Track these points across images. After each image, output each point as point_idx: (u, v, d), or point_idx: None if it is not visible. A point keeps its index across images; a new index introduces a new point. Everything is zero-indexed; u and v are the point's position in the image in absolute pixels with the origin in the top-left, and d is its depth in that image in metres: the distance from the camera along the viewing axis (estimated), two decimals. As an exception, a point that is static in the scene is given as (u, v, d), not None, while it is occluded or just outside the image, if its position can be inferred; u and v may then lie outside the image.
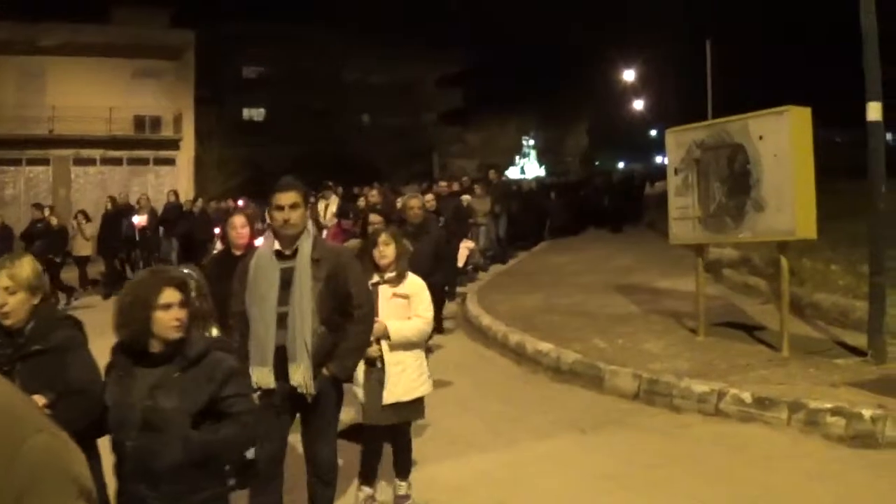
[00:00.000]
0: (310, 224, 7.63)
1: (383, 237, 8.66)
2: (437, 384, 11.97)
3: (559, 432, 11.04)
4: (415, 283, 8.72)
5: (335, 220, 24.81)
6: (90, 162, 50.24)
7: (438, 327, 15.54)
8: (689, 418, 11.26)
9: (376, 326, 8.15)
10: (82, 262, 27.74)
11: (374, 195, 24.05)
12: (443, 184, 29.18)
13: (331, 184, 29.27)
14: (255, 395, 6.87)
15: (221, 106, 59.36)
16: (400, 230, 11.92)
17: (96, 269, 28.57)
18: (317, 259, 7.40)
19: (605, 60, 66.40)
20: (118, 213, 29.35)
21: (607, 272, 23.35)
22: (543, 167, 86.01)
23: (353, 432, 9.42)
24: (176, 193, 32.90)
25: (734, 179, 13.63)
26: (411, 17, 70.26)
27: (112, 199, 31.12)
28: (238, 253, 9.74)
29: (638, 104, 72.72)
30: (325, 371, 7.39)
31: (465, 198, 27.02)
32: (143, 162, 51.63)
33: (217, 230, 29.84)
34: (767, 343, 13.80)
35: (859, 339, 13.16)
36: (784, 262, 13.49)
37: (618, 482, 9.13)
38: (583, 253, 28.65)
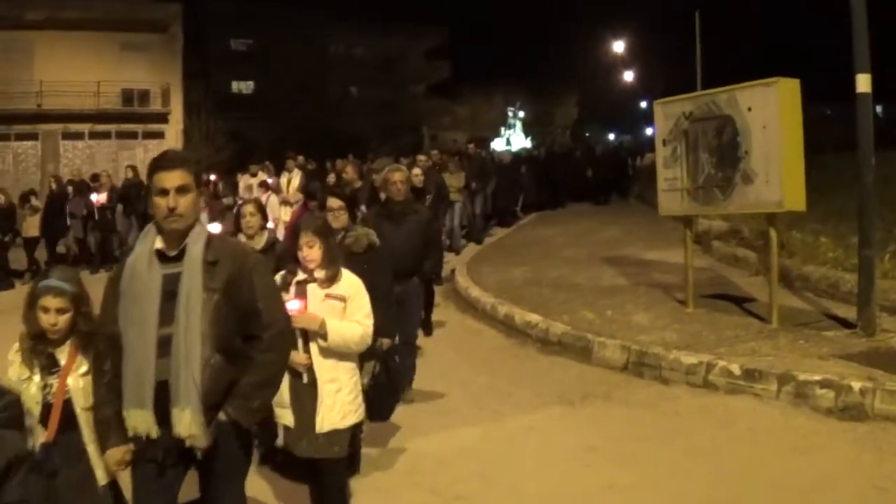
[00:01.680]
0: (203, 216, 6.32)
1: (306, 237, 7.23)
2: (426, 356, 12.07)
3: (546, 405, 11.03)
4: (352, 284, 7.47)
5: (300, 198, 21.16)
6: (79, 136, 50.17)
7: (426, 327, 14.96)
8: (677, 390, 11.27)
9: (308, 318, 7.06)
10: (31, 243, 26.55)
11: (348, 171, 20.40)
12: (421, 157, 26.37)
13: (295, 155, 28.76)
14: (132, 448, 5.51)
15: (209, 79, 59.35)
16: (382, 211, 12.14)
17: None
18: (212, 262, 5.44)
19: (595, 31, 66.51)
20: (63, 194, 28.20)
21: (595, 245, 23.36)
22: (530, 139, 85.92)
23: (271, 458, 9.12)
24: (134, 169, 30.31)
25: (722, 151, 13.60)
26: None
27: (56, 177, 30.21)
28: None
29: (628, 76, 72.81)
30: (221, 415, 5.49)
31: (416, 171, 22.04)
32: (132, 136, 51.58)
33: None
34: (757, 315, 13.78)
35: (849, 312, 13.18)
36: (773, 233, 13.47)
37: (602, 455, 9.16)
38: (571, 226, 28.55)
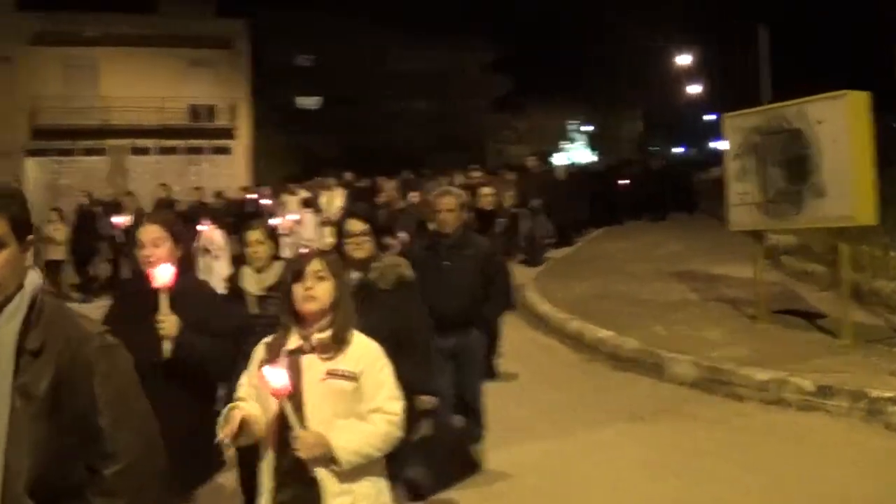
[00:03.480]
0: (30, 277, 3.46)
1: (313, 263, 5.24)
2: (496, 372, 12.01)
3: (615, 421, 11.00)
4: (368, 352, 5.27)
5: None
6: (146, 151, 50.49)
7: (489, 372, 12.26)
8: (748, 407, 11.20)
9: (312, 440, 4.89)
10: (53, 266, 25.02)
11: (387, 189, 18.14)
12: (474, 174, 25.03)
13: (339, 172, 28.18)
14: None
15: (274, 94, 59.58)
16: (429, 244, 9.88)
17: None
18: (33, 350, 3.38)
19: (660, 44, 66.07)
20: (92, 213, 27.05)
21: (661, 259, 23.24)
22: (597, 153, 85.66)
23: None
24: (166, 188, 29.97)
25: (792, 165, 13.53)
26: (461, 2, 70.15)
27: (87, 194, 29.39)
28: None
29: (692, 89, 72.40)
30: None
31: (486, 190, 17.71)
32: (199, 151, 51.95)
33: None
34: (827, 330, 13.65)
35: (922, 327, 13.07)
36: (843, 248, 13.38)
37: (669, 470, 9.15)
38: (636, 240, 28.44)
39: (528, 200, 25.68)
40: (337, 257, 5.70)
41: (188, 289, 6.34)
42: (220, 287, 18.85)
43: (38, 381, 3.38)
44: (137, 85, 47.86)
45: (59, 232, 25.78)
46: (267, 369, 4.88)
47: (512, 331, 15.81)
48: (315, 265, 5.24)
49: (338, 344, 5.14)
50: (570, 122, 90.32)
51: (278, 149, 53.30)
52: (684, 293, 18.14)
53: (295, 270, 5.28)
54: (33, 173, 48.18)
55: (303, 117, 65.56)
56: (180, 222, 6.93)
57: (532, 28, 73.49)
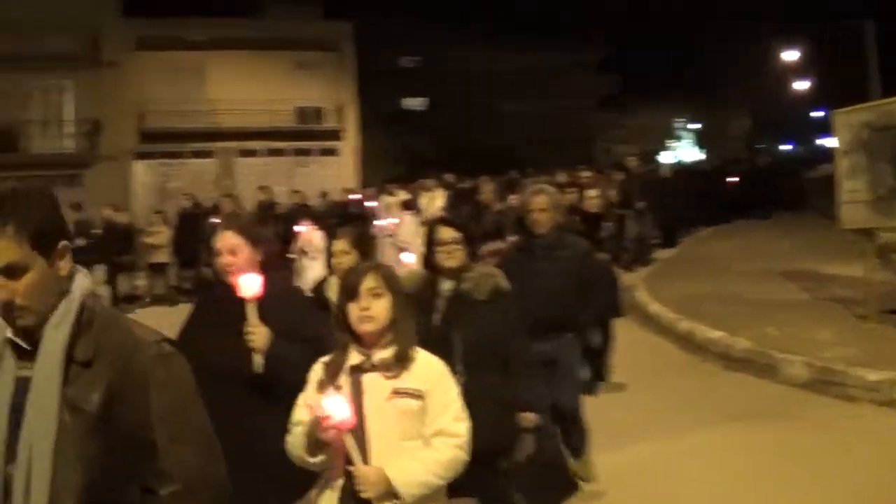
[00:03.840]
0: (78, 281, 3.27)
1: (367, 280, 4.90)
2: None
3: (725, 422, 10.97)
4: (432, 369, 5.01)
5: None
6: (254, 154, 50.88)
7: (599, 375, 12.10)
8: (860, 408, 11.12)
9: (373, 477, 4.63)
10: (157, 269, 26.14)
11: (485, 191, 17.44)
12: (584, 174, 23.89)
13: (438, 174, 28.01)
14: None
15: (380, 96, 59.78)
16: (522, 245, 9.42)
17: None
18: (83, 361, 3.24)
19: (767, 40, 65.39)
20: (195, 215, 26.65)
21: (770, 258, 22.97)
22: (704, 151, 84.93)
23: None
24: (266, 190, 29.85)
25: (904, 162, 13.41)
26: (568, 2, 69.92)
27: (189, 196, 29.31)
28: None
29: (799, 85, 71.54)
30: None
31: (591, 193, 16.63)
32: (307, 153, 52.20)
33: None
34: (942, 331, 13.53)
35: None
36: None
37: (786, 475, 9.05)
38: (744, 239, 28.26)
39: (632, 201, 25.13)
40: (392, 270, 5.22)
41: (277, 295, 5.96)
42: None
43: (88, 394, 3.20)
44: (244, 88, 48.20)
45: (162, 235, 26.04)
46: (327, 400, 4.53)
47: (622, 331, 15.78)
48: (369, 282, 4.90)
49: (401, 362, 4.86)
50: (677, 120, 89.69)
51: (385, 150, 53.49)
52: (794, 293, 17.98)
53: (349, 288, 4.94)
54: (141, 176, 48.85)
55: (409, 119, 65.70)
56: (257, 226, 6.49)
57: (639, 25, 73.04)
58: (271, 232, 8.44)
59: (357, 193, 32.66)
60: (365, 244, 7.88)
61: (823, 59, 65.63)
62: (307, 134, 51.24)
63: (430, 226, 7.58)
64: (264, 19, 50.95)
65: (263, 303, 5.79)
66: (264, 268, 6.02)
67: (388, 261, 11.08)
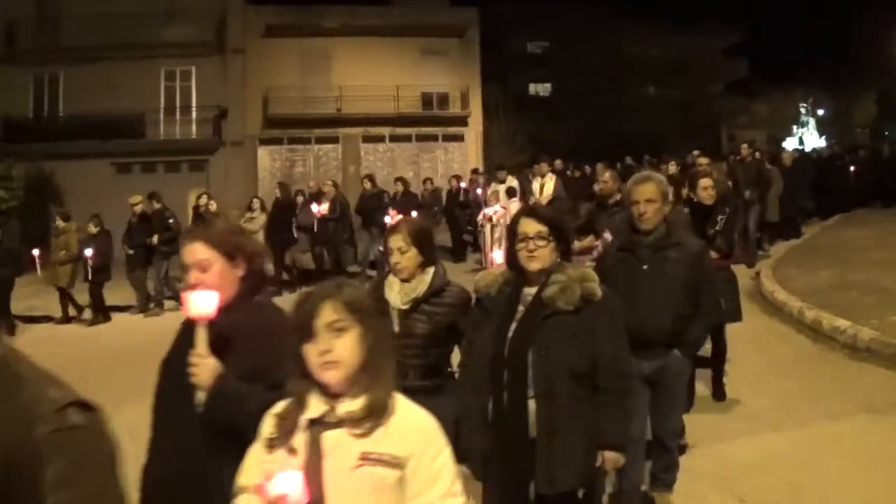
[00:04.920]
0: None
1: (325, 312, 3.71)
2: (732, 359, 11.88)
3: (854, 413, 10.81)
4: (418, 429, 3.78)
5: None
6: (379, 139, 51.23)
7: (719, 393, 11.71)
8: None
9: None
10: None
11: (605, 178, 15.25)
12: (701, 160, 20.52)
13: (550, 159, 27.29)
14: None
15: (507, 82, 59.77)
16: (624, 244, 8.06)
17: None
18: None
19: (894, 22, 64.25)
20: (290, 203, 27.04)
21: (899, 247, 22.41)
22: (824, 138, 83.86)
23: None
24: (372, 179, 29.05)
25: None
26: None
27: (282, 185, 28.97)
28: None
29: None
30: None
31: (704, 182, 12.72)
32: (432, 138, 52.44)
33: (414, 214, 26.75)
34: None
35: None
36: None
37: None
38: (878, 227, 27.52)
39: (741, 192, 23.35)
40: (359, 292, 3.94)
41: (251, 324, 4.61)
42: None
43: None
44: (370, 74, 48.39)
45: (255, 221, 25.53)
46: (276, 479, 3.55)
47: (748, 318, 15.65)
48: (328, 313, 3.70)
49: (375, 417, 3.68)
50: (802, 105, 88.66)
51: (510, 136, 53.41)
52: (924, 282, 17.66)
53: (301, 324, 3.71)
54: (266, 162, 49.58)
55: (536, 104, 65.59)
56: (237, 235, 4.96)
57: (770, 10, 72.24)
58: (257, 244, 4.55)
59: (468, 180, 32.28)
60: (425, 238, 6.76)
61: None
62: (432, 120, 51.39)
63: (515, 217, 6.23)
64: (391, 6, 51.11)
65: (231, 332, 4.55)
66: (245, 288, 4.83)
67: (492, 253, 10.17)
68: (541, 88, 71.04)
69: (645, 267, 7.69)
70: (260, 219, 25.76)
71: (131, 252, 23.27)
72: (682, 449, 9.08)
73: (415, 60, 50.70)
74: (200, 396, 4.41)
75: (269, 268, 5.29)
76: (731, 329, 11.81)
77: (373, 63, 48.77)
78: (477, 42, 52.90)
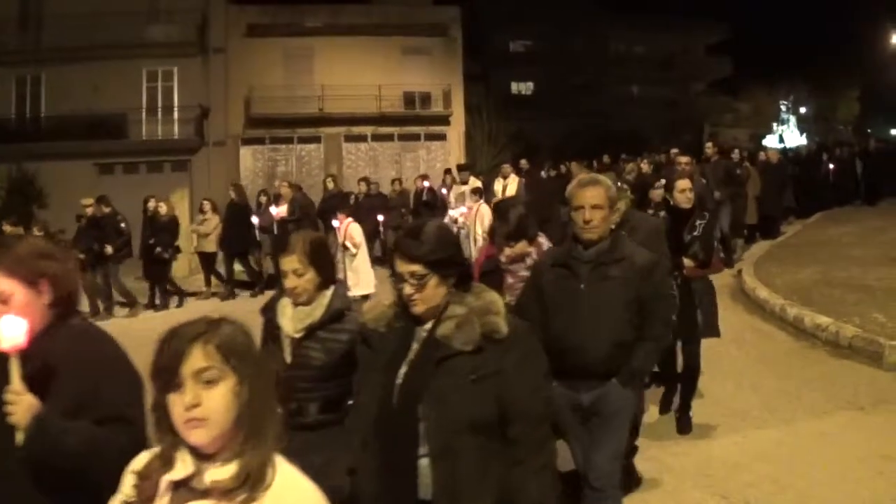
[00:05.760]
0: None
1: (192, 357, 3.07)
2: (714, 357, 11.86)
3: (837, 410, 10.86)
4: (298, 499, 3.13)
5: None
6: (361, 139, 51.15)
7: (683, 425, 10.47)
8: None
9: None
10: (206, 259, 25.25)
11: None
12: (682, 159, 17.27)
13: (522, 162, 27.46)
14: None
15: (489, 81, 59.79)
16: (560, 258, 6.98)
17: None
18: None
19: (878, 20, 64.45)
20: (244, 205, 26.17)
21: (886, 244, 22.58)
22: (805, 136, 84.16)
23: None
24: (335, 179, 29.58)
25: None
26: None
27: (236, 186, 27.89)
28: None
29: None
30: None
31: (681, 184, 11.67)
32: (414, 138, 52.23)
33: (381, 217, 26.49)
34: None
35: None
36: None
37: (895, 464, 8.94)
38: (859, 225, 27.74)
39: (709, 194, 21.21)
40: (236, 331, 3.23)
41: (68, 351, 4.08)
42: (370, 286, 17.77)
43: None
44: (352, 73, 48.27)
45: (208, 224, 25.08)
46: None
47: (731, 315, 15.73)
48: (196, 359, 3.05)
49: (249, 487, 3.04)
50: (783, 103, 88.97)
51: (494, 136, 53.41)
52: (906, 280, 17.73)
53: (163, 372, 3.06)
54: (248, 162, 49.36)
55: (519, 103, 65.60)
56: (39, 258, 4.12)
57: (754, 7, 72.44)
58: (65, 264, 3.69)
59: (430, 180, 31.22)
60: (322, 256, 6.03)
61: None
62: (414, 119, 51.30)
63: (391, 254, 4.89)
64: (373, 5, 51.04)
65: (48, 364, 3.98)
66: (56, 315, 4.22)
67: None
68: (524, 87, 71.09)
69: (583, 286, 6.63)
70: (212, 220, 25.22)
71: (81, 256, 21.91)
72: (633, 451, 8.80)
73: (397, 59, 50.60)
74: (19, 437, 3.81)
75: (79, 287, 4.44)
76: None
77: (355, 62, 48.68)
78: (459, 41, 52.81)
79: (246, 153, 49.31)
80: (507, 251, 8.03)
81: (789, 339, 14.92)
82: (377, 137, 50.85)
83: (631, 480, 8.57)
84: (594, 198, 6.60)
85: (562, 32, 63.94)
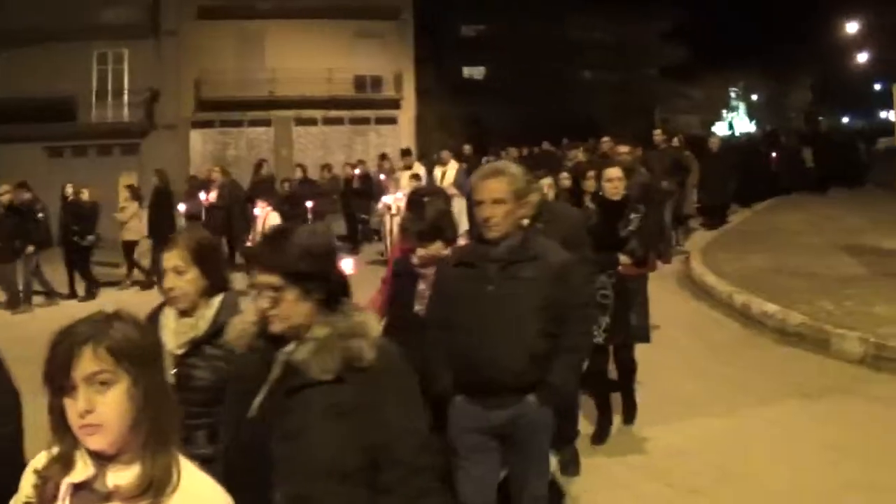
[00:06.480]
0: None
1: (83, 360, 2.81)
2: (662, 345, 11.82)
3: (784, 398, 10.85)
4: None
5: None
6: (311, 122, 51.08)
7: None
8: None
9: None
10: (127, 247, 24.12)
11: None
12: (622, 149, 17.66)
13: (465, 148, 27.32)
14: None
15: (441, 65, 59.65)
16: (463, 257, 6.18)
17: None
18: None
19: (831, 9, 64.83)
20: (168, 191, 25.39)
21: (835, 232, 22.73)
22: (755, 123, 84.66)
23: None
24: (260, 165, 28.80)
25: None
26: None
27: (159, 171, 26.35)
28: None
29: (861, 57, 71.03)
30: None
31: (611, 173, 10.48)
32: (365, 122, 52.17)
33: (310, 203, 25.31)
34: None
35: None
36: None
37: (841, 451, 8.94)
38: (810, 213, 27.84)
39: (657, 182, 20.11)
40: (131, 329, 2.96)
41: None
42: None
43: None
44: (303, 57, 48.13)
45: (126, 211, 24.42)
46: None
47: (678, 302, 15.75)
48: (88, 363, 2.83)
49: (152, 492, 2.86)
50: (732, 90, 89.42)
51: (445, 119, 53.31)
52: (853, 267, 17.80)
53: (54, 375, 2.84)
54: (199, 145, 49.28)
55: (471, 87, 65.54)
56: None
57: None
58: None
59: (377, 165, 29.99)
60: (209, 255, 5.22)
61: (886, 29, 64.93)
62: (365, 103, 51.27)
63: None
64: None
65: None
66: None
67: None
68: (476, 72, 70.95)
69: (490, 288, 5.80)
70: (131, 208, 24.42)
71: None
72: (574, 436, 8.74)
73: (349, 43, 50.47)
74: None
75: None
76: (661, 314, 11.75)
77: (306, 45, 48.51)
78: (411, 24, 52.75)
79: (196, 137, 49.10)
80: (420, 252, 6.92)
81: (737, 326, 14.95)
82: (328, 121, 50.77)
83: (574, 466, 8.58)
84: (496, 191, 5.83)
85: (513, 17, 63.83)
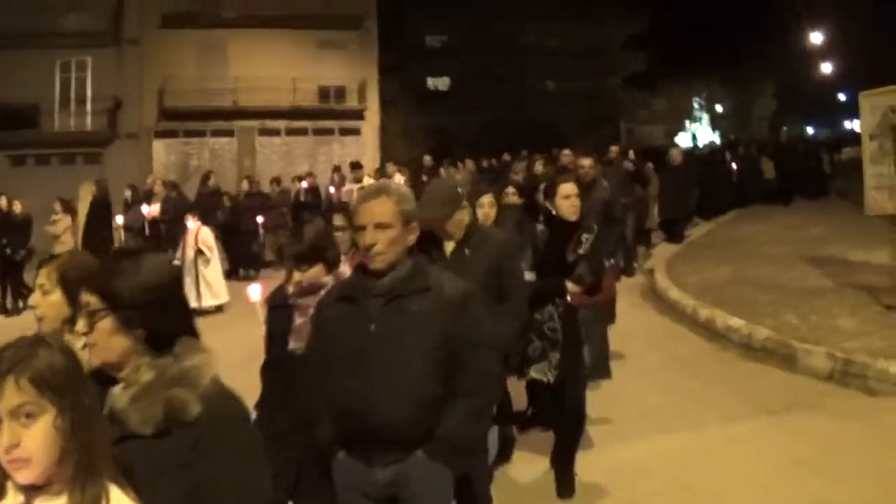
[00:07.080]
0: None
1: (6, 394, 2.76)
2: (624, 359, 11.73)
3: (750, 414, 10.76)
4: None
5: None
6: (275, 133, 51.05)
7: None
8: (884, 402, 10.89)
9: None
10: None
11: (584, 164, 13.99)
12: (584, 162, 15.77)
13: (426, 159, 26.99)
14: None
15: (405, 75, 59.72)
16: (344, 296, 5.25)
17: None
18: None
19: (794, 20, 65.12)
20: (106, 203, 25.58)
21: (799, 242, 22.65)
22: (718, 133, 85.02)
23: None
24: (207, 177, 28.43)
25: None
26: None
27: (98, 182, 26.69)
28: None
29: (826, 67, 71.38)
30: None
31: (565, 189, 8.84)
32: (329, 132, 52.20)
33: (261, 219, 25.57)
34: (969, 322, 13.28)
35: None
36: None
37: (810, 468, 8.81)
38: (773, 223, 27.83)
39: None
40: (55, 357, 2.85)
41: None
42: (222, 294, 17.23)
43: None
44: (267, 66, 48.23)
45: (59, 224, 23.61)
46: None
47: (642, 316, 15.65)
48: (10, 395, 2.76)
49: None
50: (695, 100, 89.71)
51: (410, 129, 53.38)
52: (818, 279, 17.69)
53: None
54: (161, 155, 49.16)
55: (435, 97, 65.75)
56: None
57: (671, 2, 72.73)
58: None
59: (330, 178, 28.79)
60: (75, 280, 4.31)
61: (852, 40, 65.27)
62: (329, 113, 51.33)
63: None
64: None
65: None
66: None
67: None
68: (440, 83, 71.09)
69: (372, 327, 5.00)
70: (64, 221, 23.56)
71: None
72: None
73: (312, 52, 50.57)
74: None
75: None
76: (624, 328, 11.68)
77: (270, 55, 48.55)
78: (375, 34, 52.86)
79: (159, 146, 49.11)
80: (297, 277, 6.19)
81: (701, 340, 14.87)
82: (291, 131, 50.84)
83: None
84: (379, 214, 5.02)
85: (477, 26, 64.06)
